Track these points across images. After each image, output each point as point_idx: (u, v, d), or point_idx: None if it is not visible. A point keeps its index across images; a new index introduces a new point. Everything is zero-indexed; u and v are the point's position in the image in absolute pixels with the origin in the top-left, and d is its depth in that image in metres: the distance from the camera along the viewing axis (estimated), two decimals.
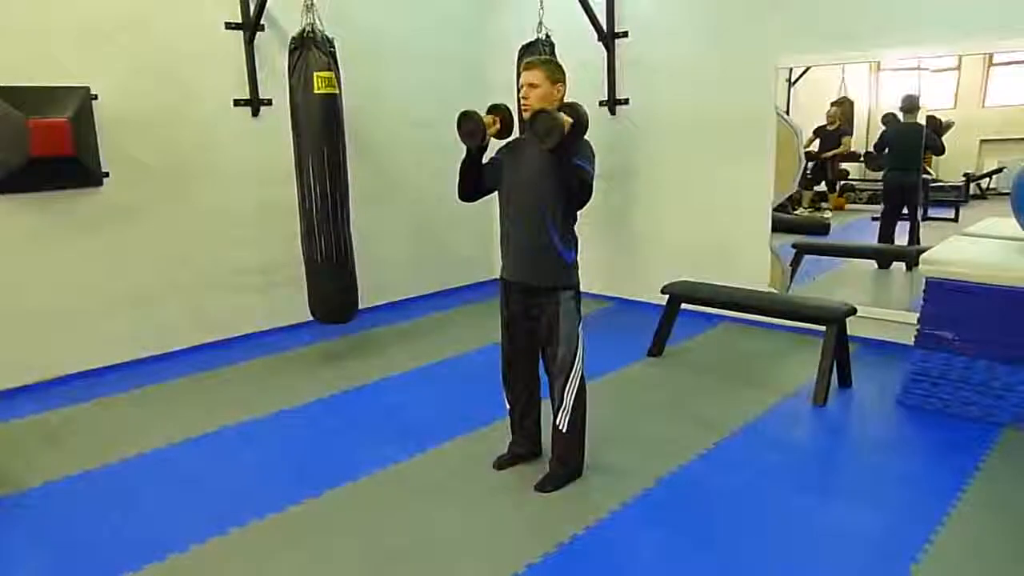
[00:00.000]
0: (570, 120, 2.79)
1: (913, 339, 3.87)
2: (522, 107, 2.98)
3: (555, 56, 5.39)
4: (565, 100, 3.00)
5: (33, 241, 4.39)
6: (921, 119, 5.24)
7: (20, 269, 4.36)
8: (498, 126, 3.03)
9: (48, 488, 3.27)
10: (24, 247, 4.36)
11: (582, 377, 3.09)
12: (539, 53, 5.30)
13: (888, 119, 5.67)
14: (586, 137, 2.94)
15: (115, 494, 3.22)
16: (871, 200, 6.85)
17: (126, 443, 3.68)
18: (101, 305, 4.68)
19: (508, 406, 3.34)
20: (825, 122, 5.98)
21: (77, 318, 4.59)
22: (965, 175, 5.75)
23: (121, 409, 4.16)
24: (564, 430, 3.11)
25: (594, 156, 2.96)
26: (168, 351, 4.99)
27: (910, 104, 5.31)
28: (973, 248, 4.05)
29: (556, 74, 2.98)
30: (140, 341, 4.87)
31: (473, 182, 3.09)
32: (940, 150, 5.43)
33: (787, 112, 5.29)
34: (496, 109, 3.04)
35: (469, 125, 2.96)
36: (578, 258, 3.09)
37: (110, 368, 4.72)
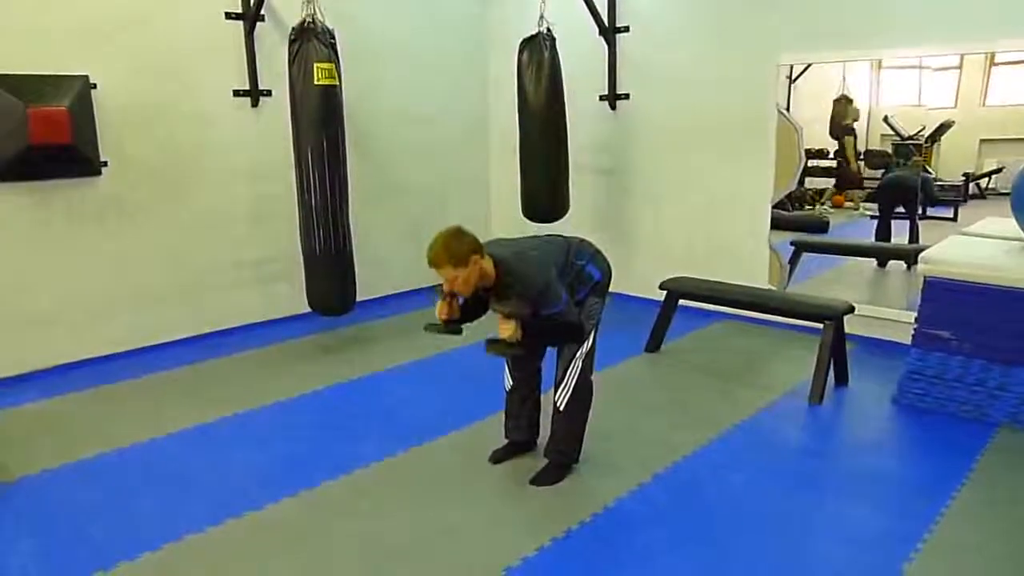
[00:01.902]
0: (517, 335, 2.80)
1: (910, 338, 3.87)
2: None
3: (555, 51, 5.37)
4: (484, 263, 2.83)
5: (31, 229, 4.38)
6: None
7: (18, 257, 4.35)
8: (452, 303, 2.94)
9: (44, 476, 3.27)
10: (22, 235, 4.35)
11: (587, 361, 3.07)
12: (540, 47, 5.29)
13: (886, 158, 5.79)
14: (530, 268, 2.85)
15: (110, 483, 3.22)
16: (870, 199, 6.85)
17: (122, 433, 3.67)
18: (98, 294, 4.67)
19: (509, 383, 3.29)
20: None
21: (74, 306, 4.59)
22: (964, 175, 5.75)
23: (117, 399, 4.16)
24: (562, 408, 3.08)
25: (547, 285, 2.81)
26: (164, 341, 4.98)
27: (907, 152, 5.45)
28: (972, 248, 4.04)
29: (460, 255, 2.76)
30: (137, 331, 4.86)
31: (473, 318, 3.10)
32: (931, 199, 5.53)
33: (787, 109, 5.28)
34: (441, 293, 2.95)
35: (437, 331, 3.00)
36: (607, 265, 3.17)
37: (106, 358, 4.72)
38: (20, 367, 4.44)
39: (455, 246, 2.78)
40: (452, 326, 2.98)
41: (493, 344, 2.85)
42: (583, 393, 3.09)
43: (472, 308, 3.06)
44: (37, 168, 4.28)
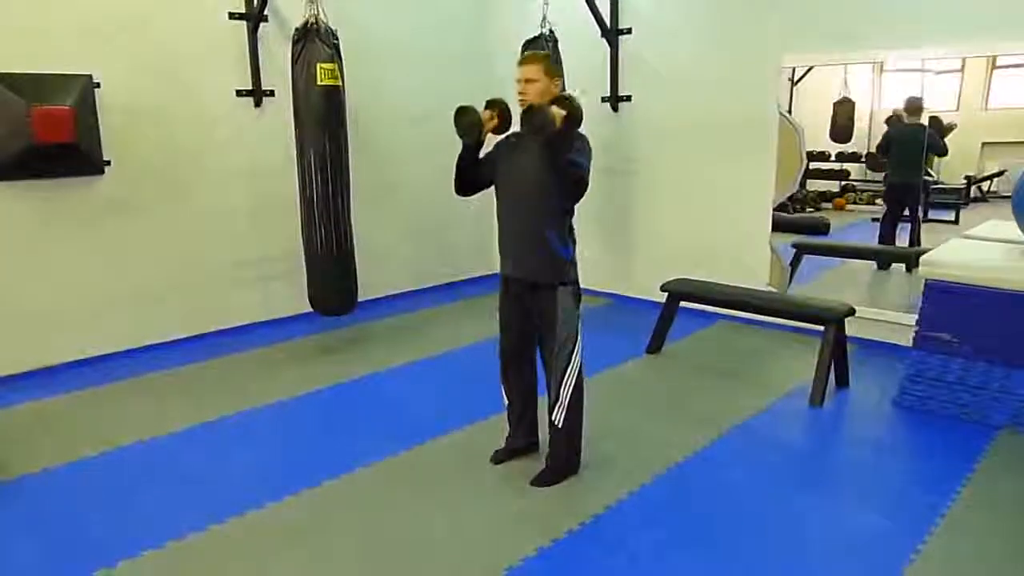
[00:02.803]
0: (563, 113, 2.78)
1: (912, 340, 3.88)
2: (520, 102, 2.96)
3: (558, 53, 5.39)
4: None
5: (33, 228, 4.39)
6: (924, 120, 5.24)
7: (20, 255, 4.36)
8: (495, 121, 3.02)
9: (45, 475, 3.28)
10: (24, 233, 4.36)
11: (579, 373, 3.09)
12: (542, 48, 5.29)
13: (891, 120, 5.67)
14: (583, 132, 2.93)
15: (112, 482, 3.23)
16: (872, 201, 6.86)
17: (123, 432, 3.68)
18: (99, 293, 4.68)
19: (506, 401, 3.34)
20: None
21: (75, 305, 4.59)
22: (966, 177, 5.75)
23: (118, 398, 4.16)
24: (560, 425, 3.11)
25: (590, 151, 2.95)
26: (165, 340, 4.99)
27: (913, 105, 5.32)
28: (974, 251, 4.05)
29: (553, 68, 2.97)
30: (138, 330, 4.87)
31: (470, 177, 3.11)
32: (943, 151, 5.43)
33: (789, 111, 5.28)
34: (494, 104, 3.04)
35: (466, 120, 2.96)
36: (576, 255, 3.09)
37: (107, 357, 4.72)
38: (20, 365, 4.44)
39: (550, 59, 3.00)
40: (476, 128, 2.97)
41: (536, 108, 2.78)
42: (578, 405, 3.12)
43: (477, 165, 3.09)
44: (40, 167, 4.29)
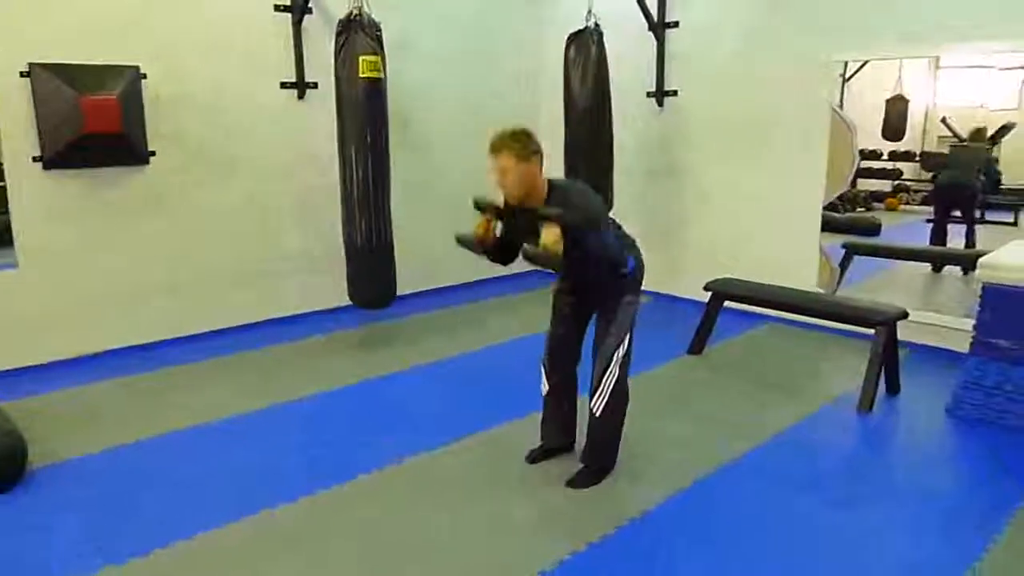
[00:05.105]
0: (556, 231, 2.57)
1: (968, 346, 3.71)
2: (500, 191, 2.82)
3: (602, 46, 5.28)
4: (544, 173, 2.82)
5: (82, 214, 4.45)
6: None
7: (67, 240, 4.43)
8: (494, 224, 2.88)
9: (66, 465, 3.28)
10: (73, 219, 4.43)
11: (624, 367, 3.00)
12: (588, 42, 5.21)
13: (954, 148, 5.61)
14: (585, 193, 2.82)
15: (135, 473, 3.23)
16: (925, 202, 6.65)
17: (151, 422, 3.68)
18: (141, 283, 4.73)
19: (546, 387, 3.24)
20: None
21: (117, 294, 4.65)
22: None
23: (154, 388, 4.18)
24: (598, 414, 3.02)
25: (599, 211, 2.82)
26: (203, 331, 5.02)
27: (977, 136, 5.27)
28: None
29: (527, 148, 2.73)
30: (176, 320, 4.91)
31: (501, 257, 3.04)
32: (993, 184, 5.32)
33: (840, 108, 5.13)
34: (483, 209, 2.87)
35: (466, 246, 2.91)
36: (641, 259, 3.05)
37: (146, 346, 4.77)
38: (62, 352, 4.51)
39: (523, 139, 2.73)
40: (480, 248, 2.91)
41: (533, 251, 2.74)
42: (619, 398, 3.03)
43: (503, 249, 3.01)
44: (89, 156, 4.36)
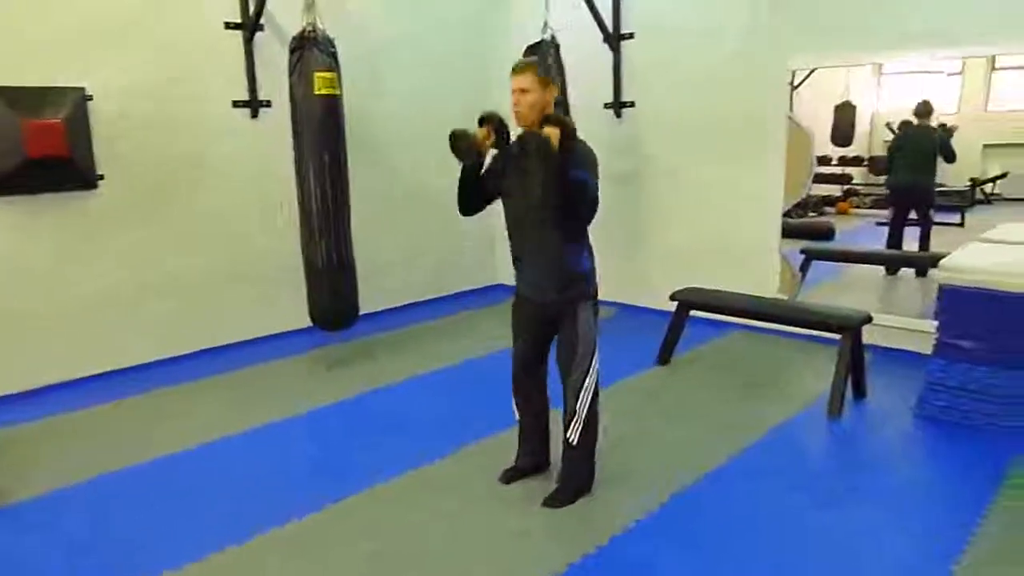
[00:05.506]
0: (557, 131, 2.65)
1: (932, 348, 3.78)
2: (515, 113, 2.85)
3: (560, 59, 5.30)
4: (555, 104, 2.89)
5: (25, 244, 4.27)
6: (934, 123, 5.19)
7: (11, 272, 4.24)
8: (492, 138, 2.89)
9: (49, 497, 3.17)
10: (15, 250, 4.24)
11: (596, 389, 2.98)
12: (545, 54, 5.21)
13: (904, 126, 5.62)
14: (587, 142, 2.82)
15: (114, 503, 3.11)
16: (875, 205, 6.79)
17: (122, 453, 3.55)
18: (94, 311, 4.55)
19: (518, 416, 3.21)
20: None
21: (69, 323, 4.47)
22: (971, 180, 5.69)
23: (113, 419, 4.03)
24: (574, 443, 2.99)
25: (596, 162, 2.82)
26: (163, 357, 4.86)
27: (923, 109, 5.26)
28: (992, 254, 3.94)
29: (546, 75, 2.87)
30: (134, 347, 4.74)
31: (474, 196, 3.00)
32: (952, 157, 5.36)
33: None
34: (488, 119, 2.90)
35: (462, 143, 2.85)
36: (595, 265, 2.98)
37: (102, 376, 4.60)
38: (17, 384, 4.32)
39: (545, 69, 2.87)
40: (473, 152, 2.86)
41: (532, 132, 2.69)
42: (593, 425, 3.01)
43: (480, 179, 2.97)
44: (32, 182, 4.18)
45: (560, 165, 2.65)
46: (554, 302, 2.92)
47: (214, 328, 5.09)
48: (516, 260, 3.02)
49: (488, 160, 2.98)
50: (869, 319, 3.97)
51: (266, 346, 5.20)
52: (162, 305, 4.83)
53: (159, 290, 4.81)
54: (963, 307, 3.63)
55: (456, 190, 2.99)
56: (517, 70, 2.86)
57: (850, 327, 3.90)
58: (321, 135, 4.40)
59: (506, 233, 3.02)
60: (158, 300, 4.81)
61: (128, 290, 4.67)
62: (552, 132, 2.64)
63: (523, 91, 2.81)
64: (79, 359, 4.53)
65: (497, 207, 3.05)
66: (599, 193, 2.78)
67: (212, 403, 4.22)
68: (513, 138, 2.91)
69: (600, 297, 3.02)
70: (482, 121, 2.91)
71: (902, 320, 4.67)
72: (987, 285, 3.54)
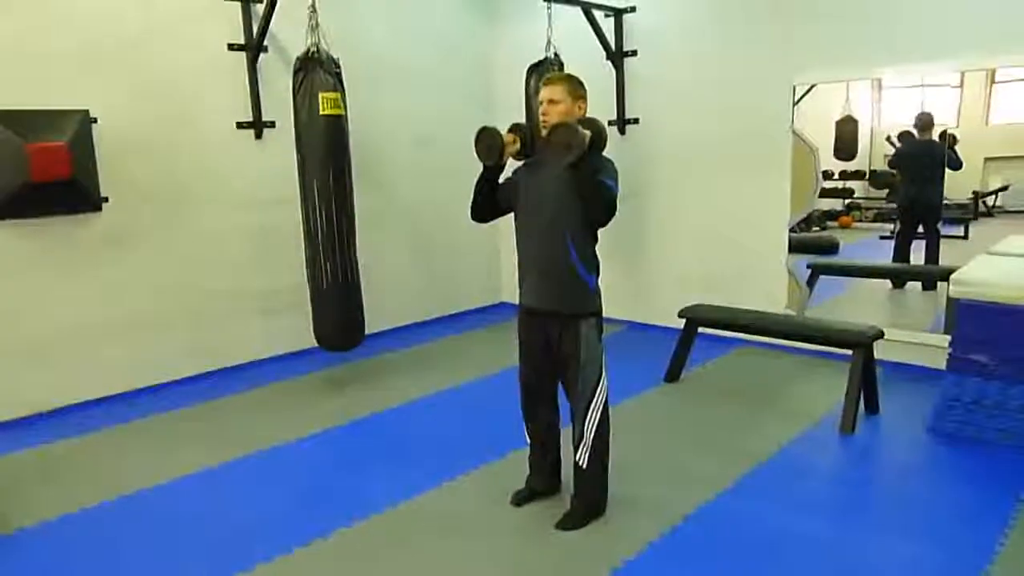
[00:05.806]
0: (587, 133, 2.65)
1: (945, 363, 3.74)
2: (542, 124, 2.85)
3: None
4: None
5: (29, 268, 4.24)
6: (935, 136, 5.18)
7: (16, 296, 4.21)
8: (518, 145, 2.88)
9: (42, 527, 3.10)
10: (20, 274, 4.22)
11: (604, 410, 2.93)
12: (548, 72, 5.21)
13: (902, 136, 5.60)
14: (607, 155, 2.83)
15: (110, 534, 3.05)
16: (877, 219, 6.78)
17: (122, 480, 3.50)
18: (98, 334, 4.52)
19: (528, 439, 3.18)
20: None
21: (74, 347, 4.44)
22: (974, 192, 5.68)
23: (118, 443, 3.98)
24: (584, 467, 2.95)
25: (616, 173, 2.82)
26: (167, 381, 4.82)
27: (924, 121, 5.25)
28: (1003, 267, 3.92)
29: (578, 90, 2.88)
30: (139, 371, 4.70)
31: (488, 202, 2.98)
32: (958, 165, 5.35)
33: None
34: (517, 128, 2.92)
35: (487, 141, 2.83)
36: (600, 285, 2.95)
37: (107, 399, 4.55)
38: (19, 411, 4.28)
39: (578, 82, 2.92)
40: (496, 153, 2.84)
41: (563, 126, 2.67)
42: (603, 446, 2.97)
43: (496, 189, 2.97)
44: (37, 205, 4.16)
45: (584, 163, 2.64)
46: (557, 313, 2.88)
47: (219, 349, 5.06)
48: (524, 268, 2.99)
49: (509, 172, 2.98)
50: (881, 335, 3.93)
51: (271, 367, 5.16)
52: (165, 328, 4.79)
53: (161, 312, 4.77)
54: (976, 321, 3.60)
55: (472, 194, 2.98)
56: (549, 81, 2.91)
57: (861, 343, 3.86)
58: (326, 156, 4.38)
59: (515, 250, 3.00)
60: (161, 323, 4.77)
61: (133, 312, 4.64)
62: (585, 133, 2.64)
63: (552, 102, 2.82)
64: (86, 381, 4.50)
65: (504, 224, 3.03)
66: (617, 202, 2.77)
67: (208, 429, 4.15)
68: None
69: (607, 314, 2.99)
70: (511, 129, 2.92)
71: (911, 334, 4.63)
72: (1000, 299, 3.52)
